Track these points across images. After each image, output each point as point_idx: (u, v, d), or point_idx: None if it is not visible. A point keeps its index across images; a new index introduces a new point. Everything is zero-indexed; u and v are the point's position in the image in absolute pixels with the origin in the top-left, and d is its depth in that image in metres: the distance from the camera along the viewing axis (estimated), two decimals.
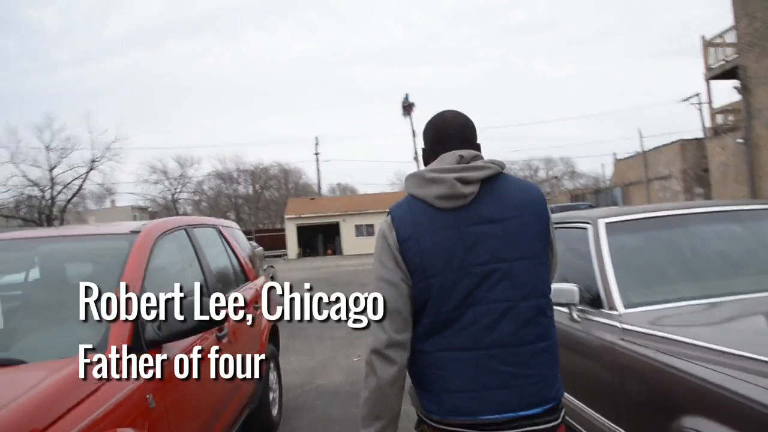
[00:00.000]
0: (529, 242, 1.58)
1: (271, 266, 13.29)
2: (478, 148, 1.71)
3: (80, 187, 45.19)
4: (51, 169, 45.17)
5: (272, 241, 39.28)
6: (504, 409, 1.52)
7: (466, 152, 1.63)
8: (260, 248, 34.70)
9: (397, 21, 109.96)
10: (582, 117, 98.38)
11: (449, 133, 1.70)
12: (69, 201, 45.00)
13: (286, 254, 36.46)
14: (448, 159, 1.63)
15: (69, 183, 45.65)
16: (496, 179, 1.61)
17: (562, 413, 1.63)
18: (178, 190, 63.44)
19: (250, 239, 33.37)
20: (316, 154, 39.88)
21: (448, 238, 1.56)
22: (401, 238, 1.58)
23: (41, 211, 43.79)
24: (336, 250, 37.86)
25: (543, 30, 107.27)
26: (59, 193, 45.45)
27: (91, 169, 44.78)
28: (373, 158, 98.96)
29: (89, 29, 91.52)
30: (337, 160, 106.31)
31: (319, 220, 37.46)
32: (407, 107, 19.85)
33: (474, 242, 1.55)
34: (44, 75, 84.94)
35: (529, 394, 1.54)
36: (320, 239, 39.58)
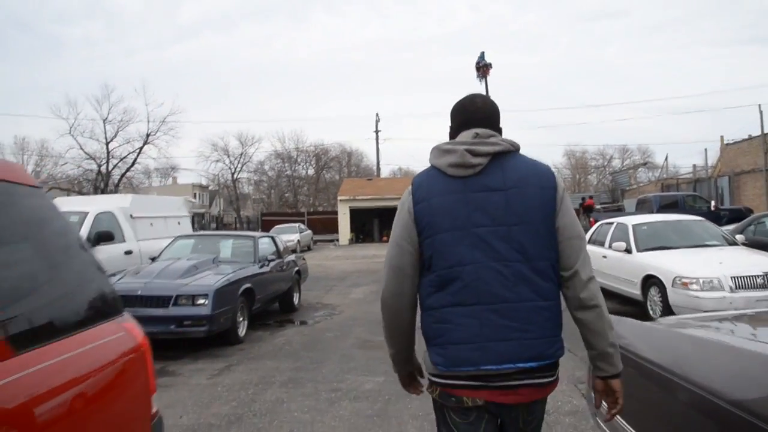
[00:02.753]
0: (529, 210, 1.76)
1: (302, 257, 10.69)
2: (499, 131, 1.91)
3: (134, 161, 44.58)
4: (108, 143, 44.96)
5: (324, 225, 37.03)
6: (504, 360, 1.69)
7: (483, 131, 1.85)
8: (308, 231, 32.83)
9: (466, 5, 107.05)
10: (660, 108, 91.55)
11: (477, 117, 1.91)
12: (123, 175, 44.47)
13: (337, 239, 34.03)
14: (465, 135, 1.87)
15: (125, 157, 45.41)
16: (507, 156, 1.82)
17: (557, 372, 1.82)
18: (238, 169, 63.00)
19: (301, 221, 31.21)
20: (376, 131, 37.22)
21: (456, 201, 1.77)
22: (416, 201, 1.81)
23: (97, 185, 43.50)
24: None
25: (617, 17, 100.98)
26: (115, 167, 45.24)
27: (146, 142, 44.22)
28: (437, 138, 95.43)
29: (165, 13, 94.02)
30: (399, 139, 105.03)
31: (375, 203, 34.33)
32: (483, 68, 16.71)
33: (477, 207, 1.76)
34: (120, 58, 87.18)
35: (527, 348, 1.70)
36: (376, 224, 36.71)
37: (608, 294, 9.92)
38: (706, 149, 31.98)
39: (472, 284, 1.72)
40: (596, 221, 21.27)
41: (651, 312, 7.70)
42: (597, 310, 1.80)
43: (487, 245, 1.73)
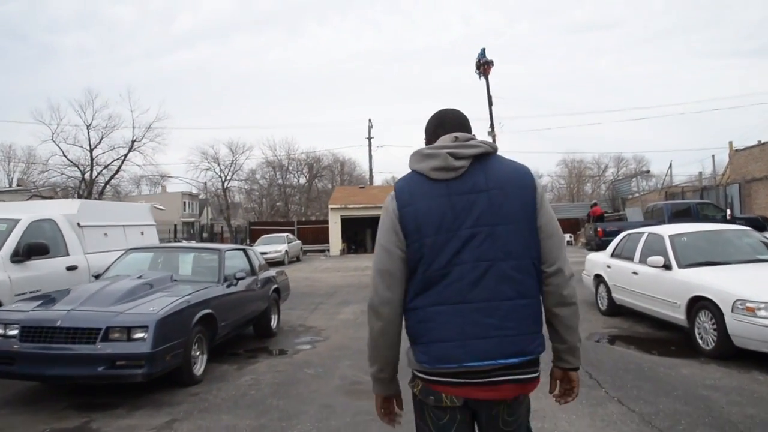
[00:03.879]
0: (511, 210, 1.81)
1: (283, 273, 9.26)
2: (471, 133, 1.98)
3: (119, 168, 43.11)
4: (91, 149, 43.43)
5: (315, 235, 35.50)
6: (486, 357, 1.73)
7: (462, 134, 1.92)
8: (298, 242, 31.32)
9: (458, 16, 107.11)
10: (650, 117, 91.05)
11: (449, 120, 2.00)
12: (107, 183, 43.01)
13: (327, 250, 32.51)
14: (445, 139, 1.92)
15: (109, 164, 43.89)
16: (487, 158, 1.87)
17: (539, 369, 1.85)
18: (228, 178, 61.76)
19: (291, 231, 29.77)
20: (369, 138, 35.82)
21: (440, 204, 1.81)
22: (400, 206, 1.85)
23: (80, 193, 41.93)
24: None
25: (609, 28, 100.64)
26: (99, 174, 43.71)
27: (131, 149, 42.73)
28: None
29: (160, 25, 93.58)
30: (392, 146, 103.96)
31: (368, 211, 32.74)
32: (484, 65, 15.37)
33: (462, 209, 1.80)
34: (112, 67, 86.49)
35: (508, 344, 1.75)
36: (368, 234, 35.22)
37: (638, 316, 8.63)
38: (713, 156, 30.87)
39: (455, 284, 1.77)
40: (603, 231, 20.06)
41: (700, 341, 6.31)
42: (574, 307, 1.91)
43: (472, 246, 1.78)
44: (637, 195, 34.33)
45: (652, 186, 38.31)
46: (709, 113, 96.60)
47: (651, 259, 7.41)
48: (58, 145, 42.26)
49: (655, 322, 7.87)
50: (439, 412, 1.82)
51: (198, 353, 5.78)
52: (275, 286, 8.48)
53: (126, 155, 42.94)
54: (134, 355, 4.79)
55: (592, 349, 6.70)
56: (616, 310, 8.96)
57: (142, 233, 9.88)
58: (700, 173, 28.38)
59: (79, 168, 43.18)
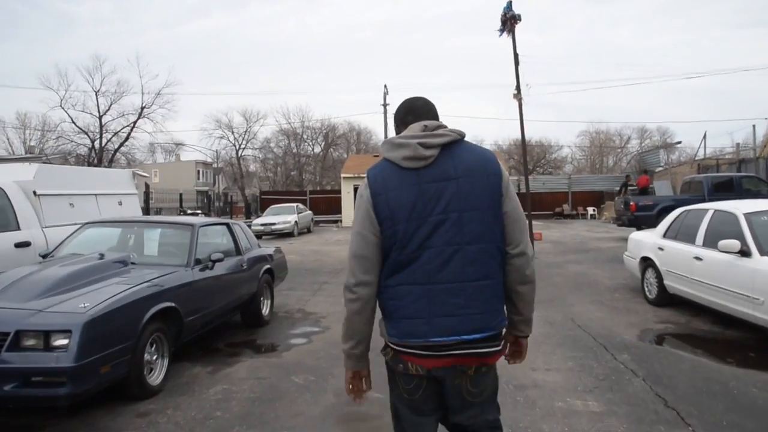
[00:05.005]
0: (478, 197, 1.92)
1: (279, 250, 8.01)
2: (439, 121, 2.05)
3: (128, 135, 42.00)
4: (101, 116, 42.34)
5: (328, 204, 34.22)
6: (450, 333, 1.88)
7: (430, 123, 2.01)
8: (308, 212, 30.09)
9: None
10: (676, 89, 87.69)
11: (418, 106, 2.10)
12: (117, 150, 41.91)
13: (340, 220, 31.25)
14: (414, 128, 2.01)
15: (119, 131, 42.82)
16: (455, 145, 1.97)
17: (503, 342, 2.01)
18: (243, 146, 60.78)
19: (302, 200, 28.59)
20: (384, 104, 34.16)
21: (411, 193, 1.91)
22: (374, 194, 1.94)
23: (90, 160, 40.98)
24: None
25: None
26: (108, 141, 42.69)
27: (141, 116, 41.57)
28: (449, 113, 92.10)
29: None
30: None
31: None
32: (510, 20, 13.71)
33: (431, 196, 1.90)
34: (127, 37, 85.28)
35: (471, 321, 1.89)
36: None
37: (695, 308, 7.29)
38: (754, 126, 28.64)
39: (425, 266, 1.89)
40: (636, 205, 18.55)
41: None
42: (533, 284, 2.08)
43: (441, 231, 1.89)
44: (665, 167, 32.50)
45: (678, 159, 36.38)
46: (738, 83, 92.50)
47: (723, 243, 5.99)
48: (66, 112, 41.34)
49: (718, 317, 6.52)
50: (407, 377, 1.98)
51: (155, 357, 4.56)
52: (267, 266, 7.23)
53: (135, 122, 41.88)
54: (53, 370, 3.56)
55: (653, 355, 5.37)
56: (667, 299, 7.61)
57: (120, 203, 8.64)
58: (738, 144, 26.53)
59: (88, 135, 42.26)
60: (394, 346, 1.96)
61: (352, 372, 2.08)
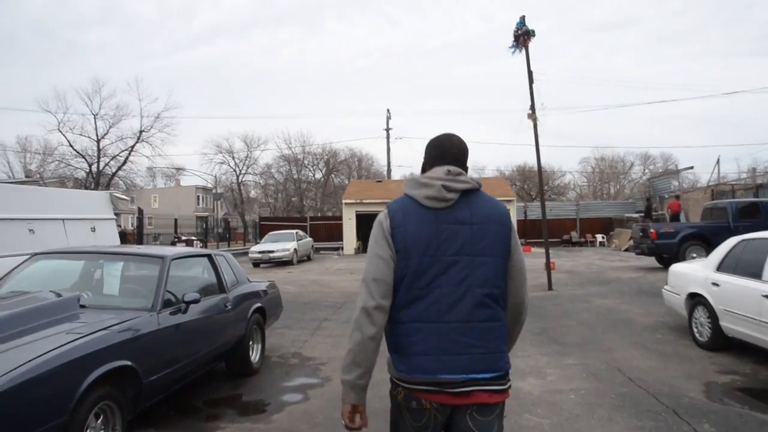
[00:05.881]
0: (490, 244, 2.00)
1: (273, 285, 6.95)
2: (466, 168, 2.13)
3: (126, 159, 41.07)
4: (98, 140, 41.52)
5: (329, 231, 33.17)
6: (458, 371, 1.90)
7: (454, 168, 2.06)
8: (308, 239, 28.99)
9: (477, 15, 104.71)
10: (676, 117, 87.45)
11: (452, 152, 2.13)
12: (114, 174, 40.96)
13: (341, 248, 30.14)
14: (438, 171, 2.06)
15: (117, 155, 41.95)
16: (473, 193, 2.05)
17: (509, 384, 2.01)
18: (243, 172, 60.12)
19: (303, 227, 27.58)
20: (387, 129, 33.41)
21: (429, 230, 1.97)
22: (393, 225, 2.00)
23: (87, 184, 40.07)
24: None
25: (626, 26, 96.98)
26: (106, 165, 41.79)
27: (139, 139, 40.76)
28: (463, 134, 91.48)
29: (179, 20, 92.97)
30: (411, 137, 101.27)
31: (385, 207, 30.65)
32: (523, 36, 12.85)
33: (447, 237, 1.97)
34: (134, 63, 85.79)
35: (479, 361, 1.92)
36: None
37: (759, 353, 6.20)
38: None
39: (435, 305, 1.94)
40: (657, 233, 17.49)
41: None
42: (522, 325, 2.22)
43: (453, 272, 1.95)
44: (676, 194, 31.46)
45: (681, 185, 35.38)
46: (736, 110, 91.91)
47: None
48: (64, 135, 40.59)
49: None
50: (419, 413, 1.95)
51: None
52: (257, 304, 6.16)
53: (134, 146, 41.09)
54: None
55: (740, 425, 4.27)
56: (721, 343, 6.54)
57: (94, 229, 7.59)
58: (754, 170, 25.54)
59: (86, 159, 41.41)
60: (406, 384, 1.96)
61: (351, 406, 2.02)
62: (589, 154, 67.45)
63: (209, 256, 5.63)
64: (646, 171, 68.89)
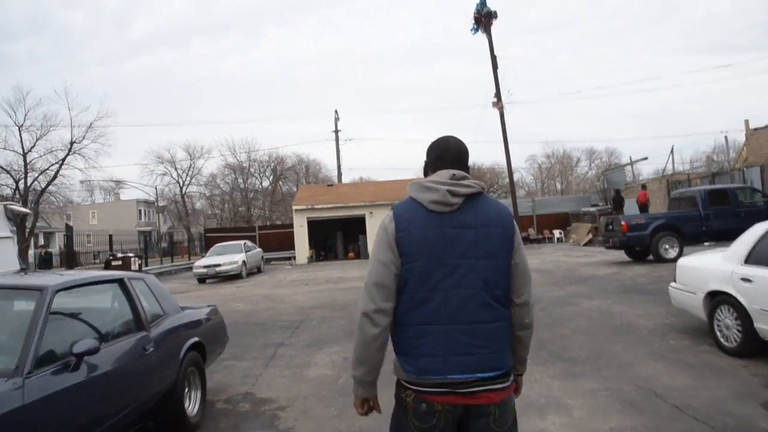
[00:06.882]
0: (493, 247, 2.01)
1: (215, 310, 5.48)
2: (467, 170, 2.14)
3: (57, 174, 38.05)
4: (25, 153, 38.37)
5: (279, 240, 31.49)
6: (466, 371, 1.93)
7: (458, 172, 2.07)
8: (258, 250, 27.25)
9: (418, 19, 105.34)
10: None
11: (450, 154, 2.15)
12: (44, 190, 37.88)
13: (293, 257, 28.52)
14: (443, 174, 2.06)
15: (46, 169, 38.87)
16: (477, 197, 2.06)
17: (512, 378, 2.06)
18: (187, 183, 57.56)
19: (251, 237, 25.90)
20: (336, 131, 31.99)
21: (434, 234, 1.98)
22: (398, 229, 2.00)
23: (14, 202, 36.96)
24: (360, 253, 29.10)
25: (562, 27, 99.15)
26: (34, 180, 38.67)
27: (70, 152, 37.82)
28: (408, 137, 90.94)
29: (115, 29, 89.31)
30: (362, 139, 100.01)
31: (338, 212, 28.77)
32: (483, 18, 11.78)
33: (451, 240, 1.98)
34: (68, 75, 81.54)
35: (485, 360, 1.95)
36: (339, 237, 31.34)
37: None
38: (726, 136, 27.55)
39: (442, 307, 1.96)
40: (628, 225, 16.73)
41: None
42: (532, 329, 2.19)
43: (458, 274, 1.97)
44: (630, 185, 31.23)
45: (637, 176, 35.48)
46: (668, 103, 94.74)
47: None
48: None
49: None
50: (427, 416, 1.95)
51: None
52: (193, 339, 4.74)
53: (64, 158, 38.07)
54: None
55: None
56: (755, 347, 5.55)
57: None
58: (708, 157, 25.39)
59: (11, 174, 38.23)
60: (414, 387, 1.96)
61: (361, 400, 2.10)
62: (535, 152, 67.75)
63: (120, 282, 4.14)
64: (592, 166, 70.05)
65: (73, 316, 3.49)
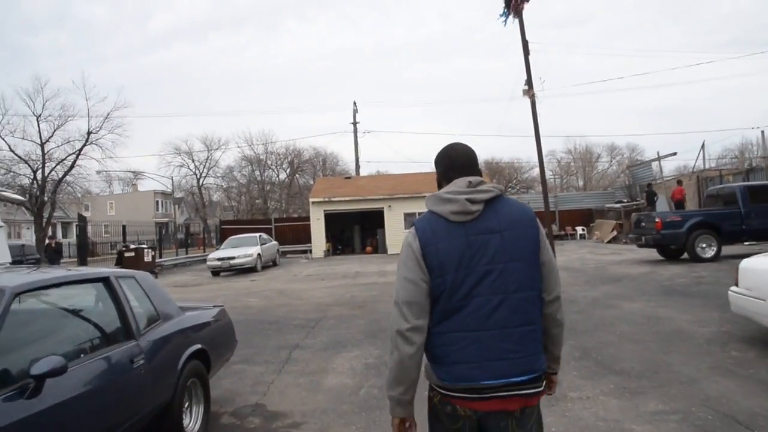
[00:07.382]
0: (520, 249, 1.98)
1: (221, 308, 4.81)
2: (480, 173, 2.13)
3: (74, 164, 37.78)
4: (42, 143, 38.17)
5: (296, 233, 30.95)
6: (500, 376, 1.89)
7: (474, 179, 2.05)
8: (274, 243, 26.73)
9: (437, 13, 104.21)
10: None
11: (460, 162, 2.13)
12: (61, 180, 37.66)
13: (310, 250, 27.93)
14: (459, 183, 2.04)
15: (63, 159, 38.65)
16: (497, 200, 2.03)
17: (543, 382, 2.01)
18: (204, 175, 57.37)
19: (267, 230, 25.34)
20: (354, 123, 31.33)
21: (460, 245, 1.96)
22: (423, 245, 1.97)
23: (31, 192, 36.77)
24: (378, 247, 28.48)
25: (582, 23, 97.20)
26: (52, 170, 38.47)
27: (87, 142, 37.53)
28: (426, 130, 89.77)
29: (136, 23, 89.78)
30: (381, 131, 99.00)
31: (355, 205, 28.17)
32: (513, 1, 10.95)
33: (478, 248, 1.95)
34: (88, 68, 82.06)
35: (519, 365, 1.91)
36: (357, 231, 30.68)
37: None
38: (762, 131, 26.24)
39: (474, 314, 1.92)
40: (663, 222, 15.86)
41: None
42: (563, 326, 2.16)
43: (488, 281, 1.93)
44: (658, 182, 30.14)
45: (664, 172, 34.24)
46: (694, 102, 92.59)
47: None
48: (3, 139, 36.97)
49: None
50: (454, 418, 1.95)
51: None
52: (194, 347, 4.10)
53: (81, 148, 37.82)
54: None
55: None
56: None
57: None
58: (742, 153, 24.29)
59: (29, 164, 38.04)
60: (442, 390, 1.96)
61: (399, 419, 2.03)
62: (554, 147, 66.54)
63: (105, 282, 3.49)
64: (613, 162, 68.63)
65: (39, 325, 2.85)
